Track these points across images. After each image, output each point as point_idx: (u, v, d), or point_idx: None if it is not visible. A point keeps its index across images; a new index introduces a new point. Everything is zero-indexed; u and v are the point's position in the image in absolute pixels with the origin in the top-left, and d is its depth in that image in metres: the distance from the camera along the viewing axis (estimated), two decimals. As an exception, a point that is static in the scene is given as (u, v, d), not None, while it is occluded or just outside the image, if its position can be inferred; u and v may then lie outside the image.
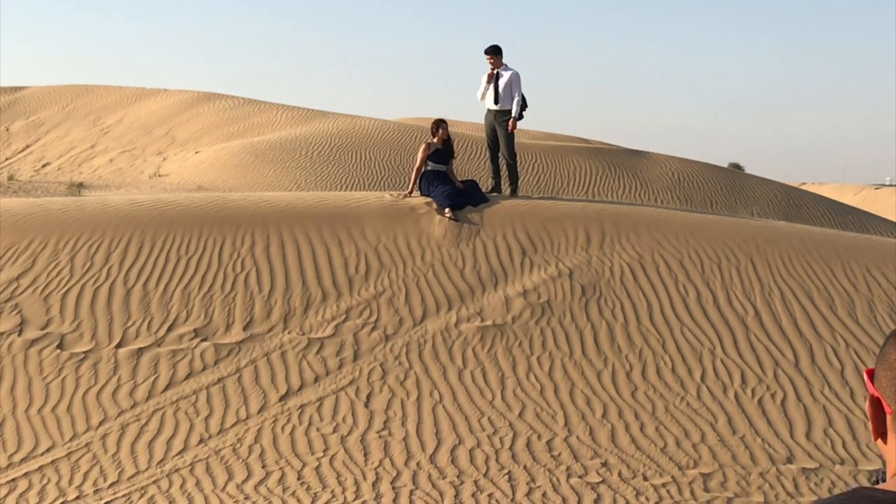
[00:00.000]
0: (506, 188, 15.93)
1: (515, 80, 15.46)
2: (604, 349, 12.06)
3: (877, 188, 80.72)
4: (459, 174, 16.73)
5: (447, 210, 14.30)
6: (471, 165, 32.15)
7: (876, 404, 1.81)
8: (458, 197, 14.59)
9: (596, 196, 32.88)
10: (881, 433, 1.81)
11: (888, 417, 1.79)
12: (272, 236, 13.72)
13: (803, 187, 53.22)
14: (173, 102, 43.39)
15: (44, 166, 38.77)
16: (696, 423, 10.89)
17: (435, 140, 15.14)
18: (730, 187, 36.53)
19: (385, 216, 14.27)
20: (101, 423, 10.66)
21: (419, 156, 15.08)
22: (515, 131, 15.74)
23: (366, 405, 11.05)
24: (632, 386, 11.46)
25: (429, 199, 14.64)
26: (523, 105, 15.52)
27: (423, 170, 14.98)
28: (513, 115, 15.43)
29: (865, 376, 1.83)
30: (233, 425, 10.69)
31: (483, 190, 15.26)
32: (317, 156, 34.43)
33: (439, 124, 15.25)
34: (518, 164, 16.24)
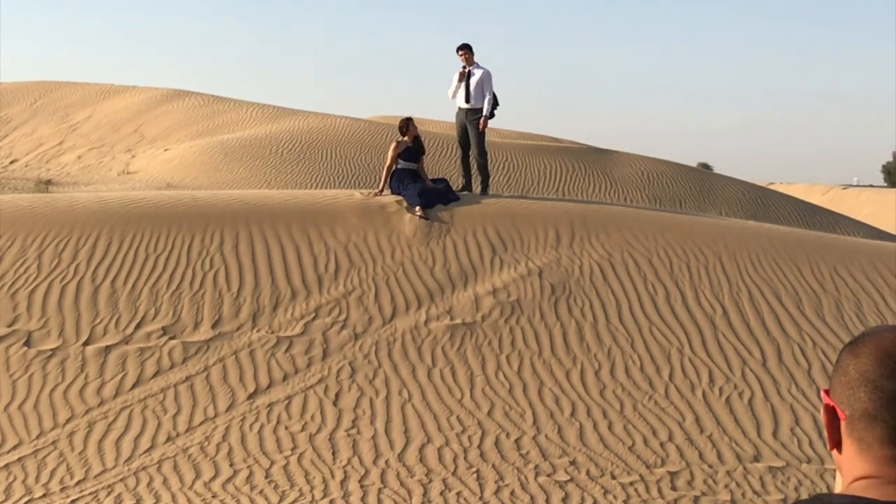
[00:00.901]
0: (476, 187, 15.95)
1: (487, 78, 15.48)
2: (573, 348, 12.09)
3: (844, 188, 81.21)
4: (430, 172, 16.72)
5: (418, 208, 14.29)
6: (441, 164, 32.15)
7: (831, 412, 1.82)
8: (429, 195, 14.58)
9: (566, 195, 32.95)
10: (836, 441, 1.83)
11: (842, 424, 1.81)
12: (241, 234, 13.67)
13: (772, 187, 53.52)
14: (142, 100, 43.17)
15: (11, 163, 38.48)
16: (664, 422, 10.94)
17: (406, 138, 15.12)
18: (699, 187, 36.72)
19: (355, 214, 14.25)
20: (68, 421, 10.60)
21: (390, 154, 15.06)
22: (486, 130, 15.76)
23: (334, 403, 11.03)
24: (600, 385, 11.49)
25: (399, 198, 14.63)
26: (494, 104, 15.54)
27: (393, 168, 14.97)
28: (484, 113, 15.44)
29: (823, 395, 1.85)
30: (201, 423, 10.65)
31: (454, 188, 15.27)
32: (287, 154, 34.34)
33: (408, 122, 15.24)
34: (489, 162, 16.26)
